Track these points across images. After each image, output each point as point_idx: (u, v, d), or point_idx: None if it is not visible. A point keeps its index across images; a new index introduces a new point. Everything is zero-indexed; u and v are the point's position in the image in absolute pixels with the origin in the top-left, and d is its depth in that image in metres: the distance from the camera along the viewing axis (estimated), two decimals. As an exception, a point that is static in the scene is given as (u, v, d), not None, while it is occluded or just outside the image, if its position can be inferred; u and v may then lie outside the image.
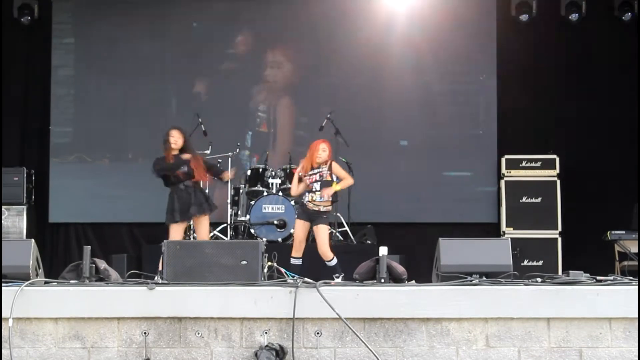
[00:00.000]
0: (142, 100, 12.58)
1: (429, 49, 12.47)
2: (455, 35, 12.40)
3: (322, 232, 9.52)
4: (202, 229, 9.81)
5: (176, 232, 9.62)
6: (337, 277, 9.14)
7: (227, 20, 12.70)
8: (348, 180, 9.67)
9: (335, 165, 9.63)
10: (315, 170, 9.56)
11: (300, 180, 9.62)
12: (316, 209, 9.50)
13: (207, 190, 11.51)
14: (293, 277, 7.99)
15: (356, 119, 12.36)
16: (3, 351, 6.63)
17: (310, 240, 10.66)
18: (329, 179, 9.55)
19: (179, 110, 12.57)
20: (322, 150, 9.59)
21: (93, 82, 12.63)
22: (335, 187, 9.56)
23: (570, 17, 12.09)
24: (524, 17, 12.15)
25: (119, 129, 12.56)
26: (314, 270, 9.12)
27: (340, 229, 11.16)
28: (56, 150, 12.52)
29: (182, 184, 9.70)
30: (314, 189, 9.55)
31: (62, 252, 12.35)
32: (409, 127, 12.45)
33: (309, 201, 9.52)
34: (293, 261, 9.53)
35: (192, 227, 10.45)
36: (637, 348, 6.64)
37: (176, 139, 9.75)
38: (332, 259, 9.50)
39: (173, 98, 12.66)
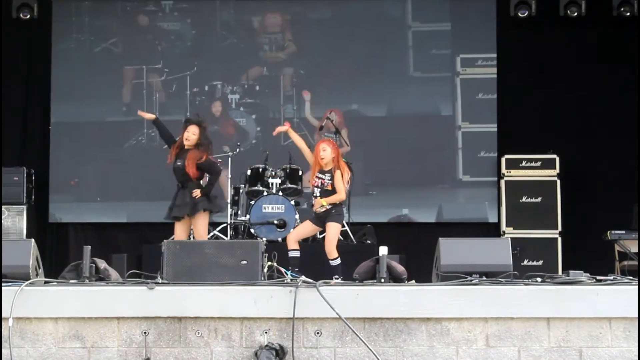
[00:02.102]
0: (143, 100, 12.57)
1: (428, 49, 12.48)
2: (455, 35, 12.41)
3: (331, 230, 9.45)
4: (197, 228, 9.52)
5: (176, 228, 9.55)
6: (337, 279, 9.12)
7: (228, 18, 12.70)
8: (337, 196, 9.41)
9: (337, 175, 9.45)
10: (320, 175, 9.50)
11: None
12: (322, 209, 9.47)
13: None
14: (293, 276, 8.00)
15: (356, 119, 12.38)
16: (3, 351, 6.63)
17: (310, 240, 10.67)
18: (330, 188, 9.46)
19: (178, 110, 12.57)
20: (322, 150, 9.50)
21: (94, 82, 12.61)
22: (323, 202, 9.46)
23: (569, 16, 12.08)
24: (522, 14, 12.13)
25: (120, 129, 12.56)
26: (313, 269, 9.11)
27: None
28: (56, 150, 12.50)
29: (178, 182, 9.58)
30: (315, 195, 9.53)
31: (62, 252, 12.34)
32: (408, 126, 12.45)
33: (313, 205, 9.54)
34: (292, 253, 9.46)
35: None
36: (637, 348, 6.65)
37: (189, 135, 9.39)
38: (335, 259, 9.45)
39: (173, 98, 12.65)
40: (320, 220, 9.51)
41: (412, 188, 12.35)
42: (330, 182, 9.42)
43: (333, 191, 9.42)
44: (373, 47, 12.52)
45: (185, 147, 9.43)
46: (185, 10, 12.68)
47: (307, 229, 9.68)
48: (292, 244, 9.51)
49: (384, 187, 12.32)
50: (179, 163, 9.44)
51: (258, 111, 12.56)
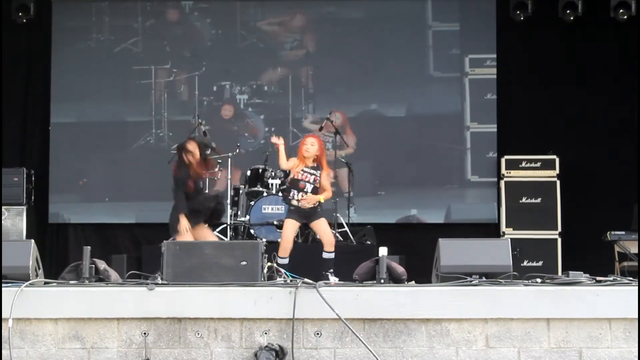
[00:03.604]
0: (143, 99, 12.58)
1: (447, 49, 12.49)
2: (463, 35, 12.42)
3: (325, 224, 9.48)
4: (207, 237, 9.65)
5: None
6: (331, 274, 9.13)
7: (229, 20, 12.72)
8: (329, 194, 9.51)
9: (324, 175, 9.47)
10: (312, 172, 9.45)
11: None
12: (311, 205, 9.41)
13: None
14: (293, 277, 8.00)
15: (356, 119, 12.38)
16: (3, 352, 6.63)
17: (303, 240, 10.66)
18: (319, 186, 9.44)
19: (179, 109, 12.59)
20: (310, 145, 9.44)
21: (94, 82, 12.61)
22: (320, 199, 9.43)
23: (567, 17, 12.08)
24: (519, 15, 12.13)
25: (120, 128, 12.56)
26: (311, 269, 9.10)
27: (340, 230, 11.14)
28: (56, 150, 12.51)
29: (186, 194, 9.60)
30: (305, 189, 9.45)
31: (61, 252, 12.35)
32: (408, 126, 12.46)
33: (301, 199, 9.41)
34: (280, 261, 9.40)
35: None
36: (637, 349, 6.65)
37: (190, 158, 9.51)
38: (333, 251, 9.44)
39: (174, 98, 12.66)
40: (305, 216, 9.44)
41: (421, 188, 12.35)
42: (319, 179, 9.44)
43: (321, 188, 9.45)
44: (393, 46, 12.52)
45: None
46: (205, 10, 12.69)
47: (291, 230, 9.54)
48: (283, 252, 9.38)
49: (392, 187, 12.32)
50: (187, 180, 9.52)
51: (267, 111, 12.56)
